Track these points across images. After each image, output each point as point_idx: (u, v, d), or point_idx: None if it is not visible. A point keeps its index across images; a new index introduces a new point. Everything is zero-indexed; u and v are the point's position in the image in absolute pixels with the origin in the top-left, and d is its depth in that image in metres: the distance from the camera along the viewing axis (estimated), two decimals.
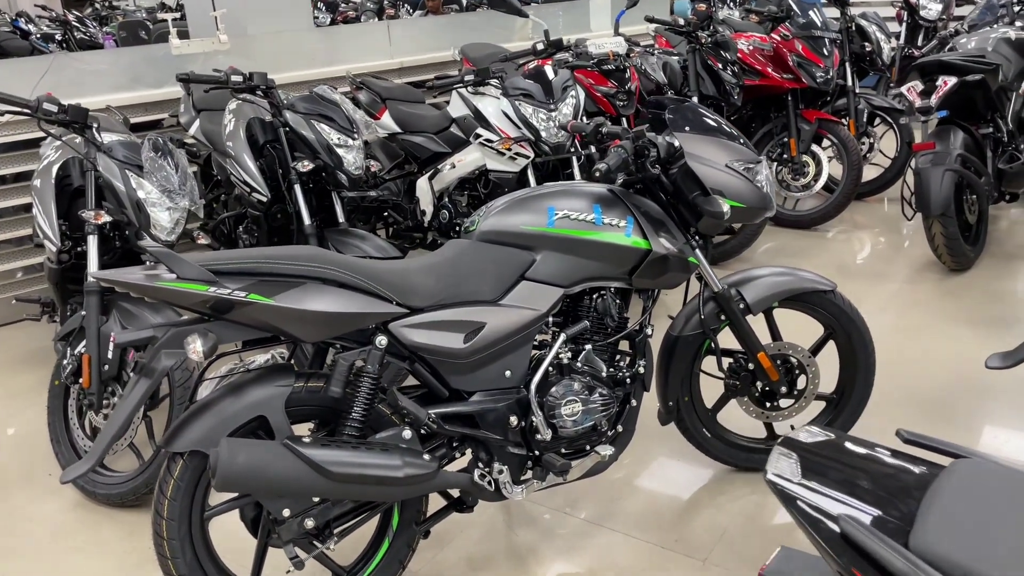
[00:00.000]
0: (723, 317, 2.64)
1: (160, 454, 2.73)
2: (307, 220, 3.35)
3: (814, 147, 5.07)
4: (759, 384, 2.70)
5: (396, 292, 2.15)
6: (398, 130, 4.42)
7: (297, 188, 3.36)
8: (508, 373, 2.29)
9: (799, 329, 2.90)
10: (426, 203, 4.30)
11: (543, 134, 3.72)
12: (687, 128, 2.47)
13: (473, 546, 2.60)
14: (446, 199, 4.21)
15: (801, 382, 2.74)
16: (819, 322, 2.76)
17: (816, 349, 2.78)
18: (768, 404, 2.74)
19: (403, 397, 2.15)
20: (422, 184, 4.31)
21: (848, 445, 1.52)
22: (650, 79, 4.64)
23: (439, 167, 4.18)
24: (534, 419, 2.29)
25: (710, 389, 2.79)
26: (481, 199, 4.10)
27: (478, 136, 3.91)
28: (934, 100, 4.18)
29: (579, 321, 2.40)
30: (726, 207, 2.30)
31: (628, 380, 2.45)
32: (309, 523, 2.05)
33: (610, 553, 2.54)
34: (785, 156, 5.09)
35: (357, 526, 2.20)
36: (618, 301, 2.47)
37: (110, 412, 2.88)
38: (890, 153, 5.73)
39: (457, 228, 4.13)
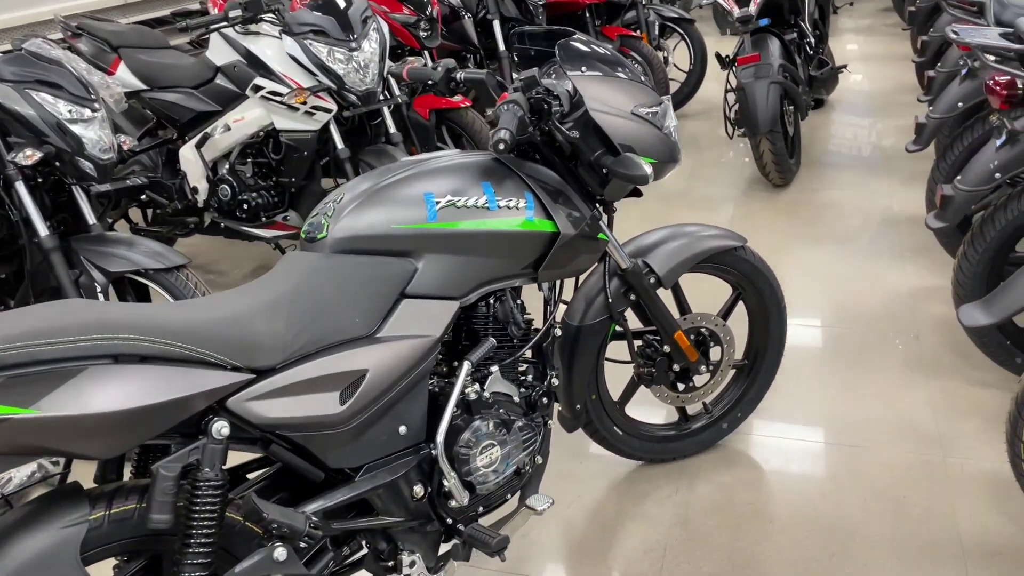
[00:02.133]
0: (632, 296, 2.16)
1: None
2: (42, 231, 2.42)
3: None
4: (675, 367, 2.27)
5: (230, 351, 1.45)
6: (142, 86, 3.46)
7: (20, 187, 2.41)
8: (403, 429, 1.67)
9: (696, 291, 2.50)
10: (196, 177, 3.43)
11: (347, 80, 2.98)
12: (581, 68, 1.90)
13: None
14: (224, 171, 3.36)
15: (715, 354, 2.35)
16: (726, 282, 2.36)
17: (726, 313, 2.39)
18: (682, 386, 2.33)
19: (267, 505, 1.47)
20: (187, 154, 3.41)
21: None
22: (446, 4, 3.98)
23: (208, 131, 3.31)
24: (445, 483, 1.70)
25: (613, 380, 2.33)
26: (272, 167, 3.30)
27: (258, 88, 3.09)
28: (752, 8, 3.90)
29: (478, 338, 1.81)
30: (647, 167, 1.78)
31: (544, 398, 1.92)
32: None
33: None
34: None
35: None
36: (519, 301, 1.91)
37: None
38: (683, 66, 5.51)
39: (245, 206, 3.31)
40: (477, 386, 1.76)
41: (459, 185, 1.72)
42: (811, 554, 2.09)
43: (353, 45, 2.97)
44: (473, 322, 1.82)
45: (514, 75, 4.12)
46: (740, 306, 2.41)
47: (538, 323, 1.95)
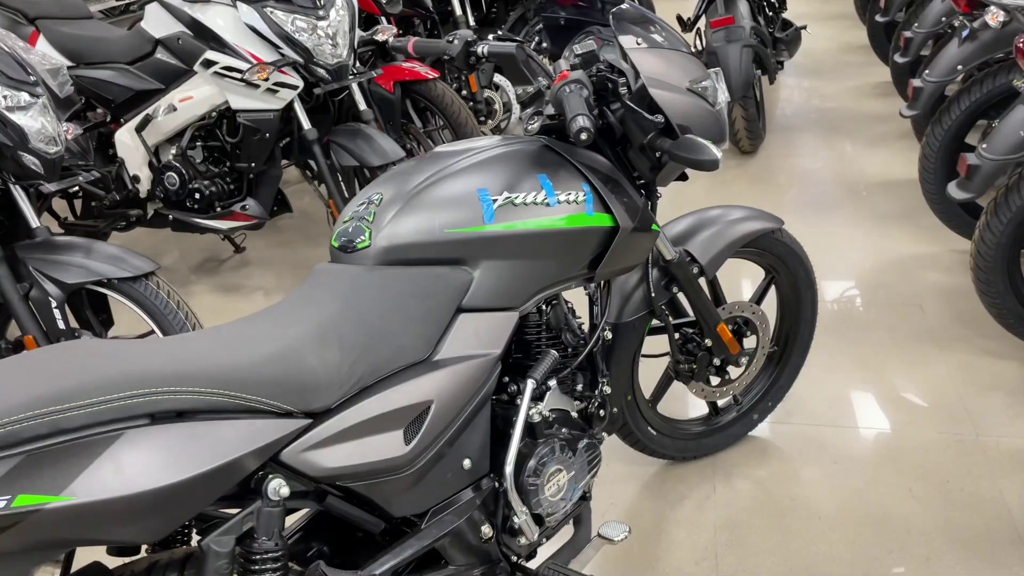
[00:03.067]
0: (674, 288, 1.98)
1: None
2: None
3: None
4: (715, 361, 2.11)
5: (283, 393, 1.20)
6: (66, 62, 3.05)
7: None
8: (467, 463, 1.46)
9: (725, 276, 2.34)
10: (136, 165, 3.06)
11: (316, 53, 2.68)
12: (637, 40, 1.68)
13: None
14: (170, 156, 3.00)
15: (749, 342, 2.20)
16: (759, 265, 2.21)
17: (760, 299, 2.24)
18: (718, 379, 2.18)
19: (334, 572, 1.24)
20: (125, 138, 3.05)
21: None
22: None
23: (149, 112, 2.95)
24: (515, 519, 1.50)
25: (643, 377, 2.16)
26: (226, 151, 2.97)
27: (209, 63, 2.75)
28: None
29: (530, 349, 1.61)
30: (717, 151, 1.58)
31: (600, 409, 1.73)
32: None
33: None
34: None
35: None
36: (570, 304, 1.71)
37: None
38: None
39: (197, 195, 2.97)
40: (539, 405, 1.56)
41: (514, 179, 1.50)
42: (869, 552, 1.98)
43: (320, 13, 2.66)
44: (526, 332, 1.61)
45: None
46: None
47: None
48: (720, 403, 2.30)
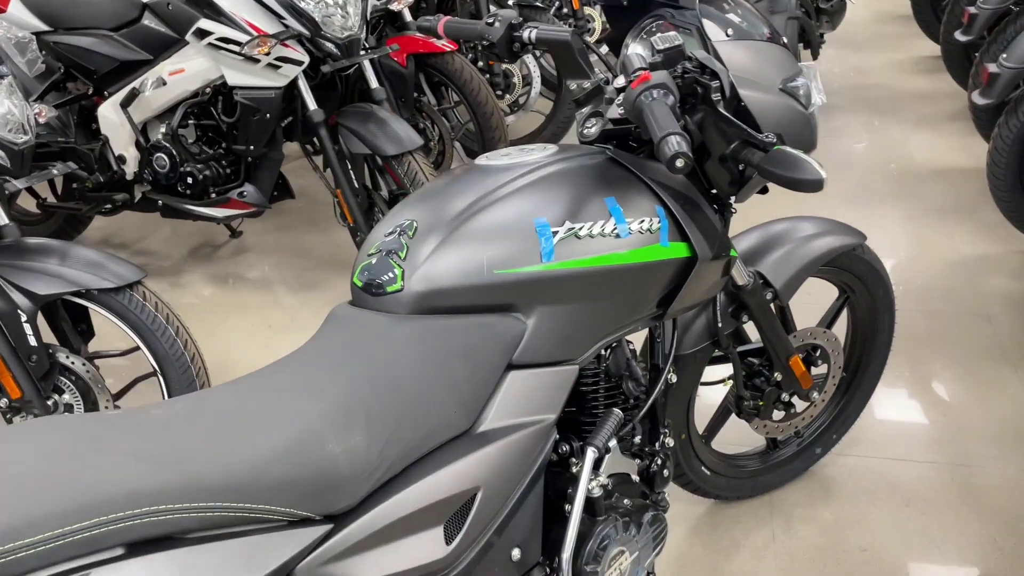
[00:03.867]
0: (743, 316, 1.71)
1: None
2: None
3: None
4: (783, 396, 1.84)
5: (297, 497, 0.94)
6: (43, 27, 2.74)
7: None
8: (516, 553, 1.20)
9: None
10: (122, 143, 2.76)
11: (324, 26, 2.36)
12: (726, 29, 1.38)
13: None
14: (159, 136, 2.70)
15: (818, 370, 1.93)
16: (832, 283, 1.94)
17: (831, 323, 1.97)
18: (782, 414, 1.92)
19: None
20: (109, 113, 2.74)
21: None
22: None
23: (136, 85, 2.64)
24: None
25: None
26: (222, 131, 2.66)
27: (204, 33, 2.43)
28: None
29: (585, 404, 1.34)
30: (821, 169, 1.29)
31: (664, 469, 1.46)
32: None
33: None
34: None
35: None
36: (632, 346, 1.44)
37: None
38: None
39: (190, 179, 2.67)
40: (599, 475, 1.29)
41: (577, 204, 1.21)
42: None
43: None
44: (581, 382, 1.34)
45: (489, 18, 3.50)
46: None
47: None
48: (780, 437, 2.04)
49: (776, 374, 1.79)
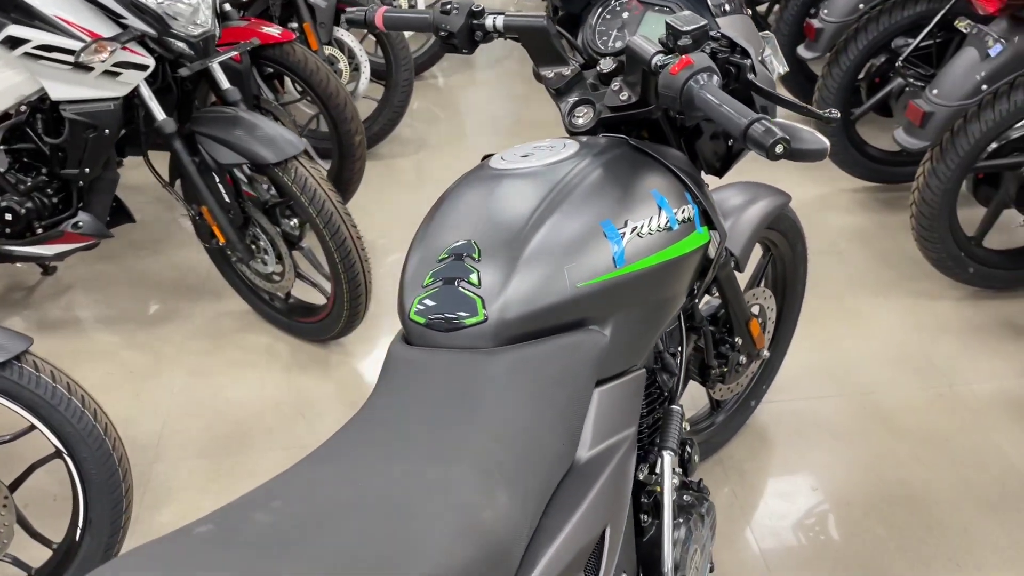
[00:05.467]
0: (712, 290, 1.73)
1: None
2: None
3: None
4: (742, 359, 1.89)
5: None
6: None
7: None
8: None
9: None
10: None
11: (173, 24, 2.05)
12: (724, 5, 1.34)
13: None
14: None
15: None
16: (758, 243, 2.01)
17: (758, 280, 2.04)
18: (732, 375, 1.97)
19: None
20: None
21: None
22: None
23: None
24: None
25: None
26: (45, 155, 2.25)
27: (16, 42, 2.03)
28: None
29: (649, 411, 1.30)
30: (824, 138, 1.31)
31: (692, 453, 1.45)
32: None
33: None
34: None
35: None
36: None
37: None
38: None
39: (9, 216, 2.24)
40: (672, 478, 1.25)
41: (630, 200, 1.15)
42: (912, 533, 1.89)
43: None
44: None
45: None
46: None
47: None
48: (728, 397, 2.10)
49: (737, 339, 1.83)
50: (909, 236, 2.60)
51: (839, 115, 1.21)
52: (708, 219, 1.29)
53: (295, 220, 2.31)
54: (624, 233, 1.10)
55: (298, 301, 2.53)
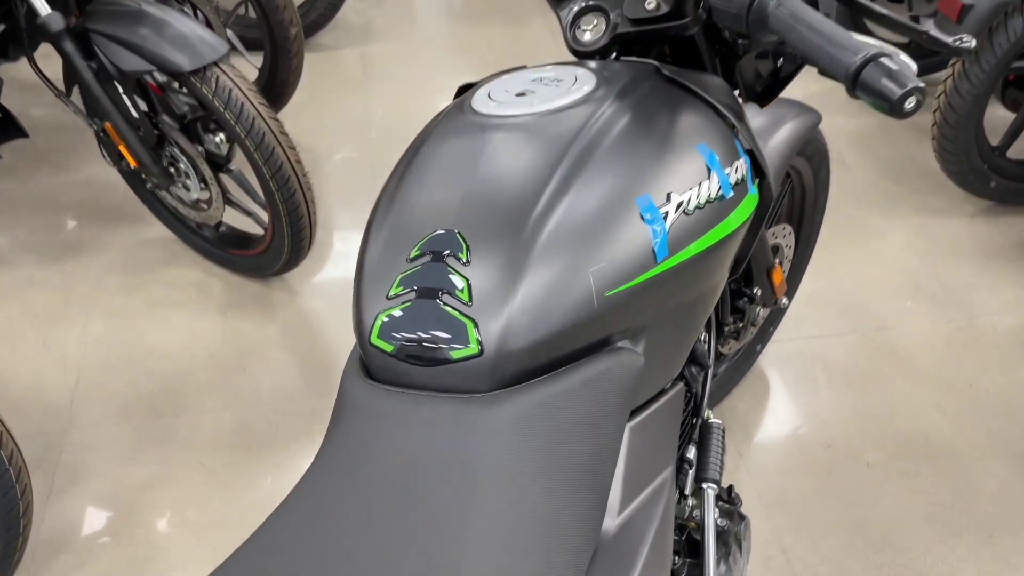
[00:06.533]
0: None
1: None
2: None
3: None
4: (758, 311, 1.61)
5: None
6: None
7: None
8: None
9: None
10: None
11: None
12: None
13: None
14: None
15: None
16: None
17: (776, 214, 1.74)
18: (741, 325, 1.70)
19: None
20: None
21: None
22: None
23: None
24: None
25: None
26: None
27: None
28: None
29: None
30: (912, 62, 0.98)
31: (723, 462, 1.19)
32: None
33: None
34: None
35: None
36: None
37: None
38: None
39: None
40: (715, 516, 0.99)
41: (670, 161, 0.83)
42: (937, 497, 1.69)
43: None
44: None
45: None
46: None
47: None
48: (738, 348, 1.84)
49: (756, 289, 1.55)
50: (914, 142, 2.32)
51: (974, 43, 0.89)
52: (758, 170, 0.98)
53: (221, 136, 1.93)
54: (667, 212, 0.79)
55: (231, 230, 2.17)
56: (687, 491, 0.98)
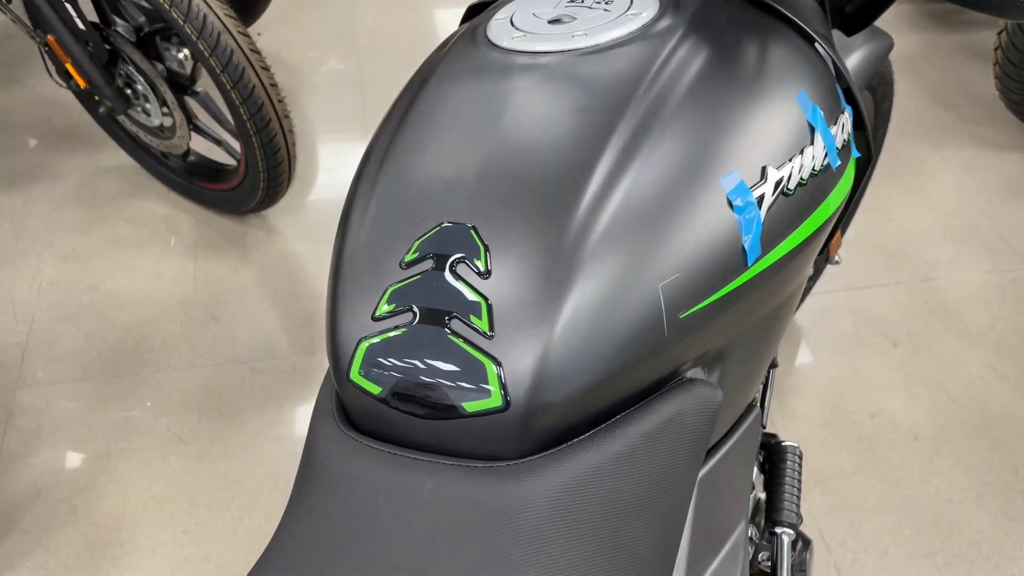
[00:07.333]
0: None
1: None
2: None
3: None
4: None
5: None
6: None
7: None
8: None
9: None
10: None
11: None
12: None
13: None
14: None
15: None
16: None
17: None
18: None
19: None
20: None
21: None
22: None
23: None
24: None
25: None
26: None
27: None
28: None
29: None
30: None
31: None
32: None
33: None
34: None
35: None
36: None
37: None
38: None
39: None
40: (791, 564, 0.79)
41: (763, 121, 0.59)
42: (996, 477, 1.51)
43: None
44: None
45: None
46: None
47: None
48: None
49: None
50: (969, 64, 2.06)
51: None
52: (858, 120, 0.75)
53: (184, 52, 1.66)
54: (762, 194, 0.56)
55: (202, 159, 1.92)
56: (754, 536, 0.78)
